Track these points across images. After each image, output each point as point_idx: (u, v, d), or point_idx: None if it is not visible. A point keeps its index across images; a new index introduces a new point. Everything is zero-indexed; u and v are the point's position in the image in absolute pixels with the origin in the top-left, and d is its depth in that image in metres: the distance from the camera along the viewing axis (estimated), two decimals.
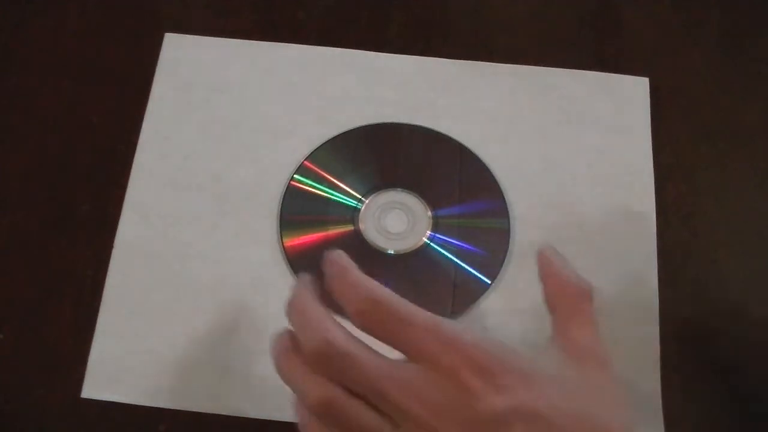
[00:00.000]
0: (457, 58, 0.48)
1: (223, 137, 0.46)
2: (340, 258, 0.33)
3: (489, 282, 0.42)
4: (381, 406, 0.30)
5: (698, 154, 0.47)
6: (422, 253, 0.43)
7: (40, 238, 0.44)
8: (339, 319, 0.29)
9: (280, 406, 0.40)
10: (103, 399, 0.40)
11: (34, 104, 0.48)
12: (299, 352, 0.31)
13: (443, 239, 0.44)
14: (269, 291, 0.42)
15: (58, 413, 0.40)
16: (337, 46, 0.49)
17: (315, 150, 0.46)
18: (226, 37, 0.49)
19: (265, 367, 0.41)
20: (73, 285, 0.43)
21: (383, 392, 0.29)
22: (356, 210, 0.44)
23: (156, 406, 0.40)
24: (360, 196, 0.45)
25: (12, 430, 0.40)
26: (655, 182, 0.46)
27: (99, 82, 0.48)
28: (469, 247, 0.43)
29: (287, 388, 0.40)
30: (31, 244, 0.44)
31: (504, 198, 0.45)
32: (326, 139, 0.46)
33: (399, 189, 0.45)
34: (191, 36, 0.49)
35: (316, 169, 0.45)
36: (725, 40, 0.50)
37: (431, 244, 0.43)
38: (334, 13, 0.51)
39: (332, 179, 0.45)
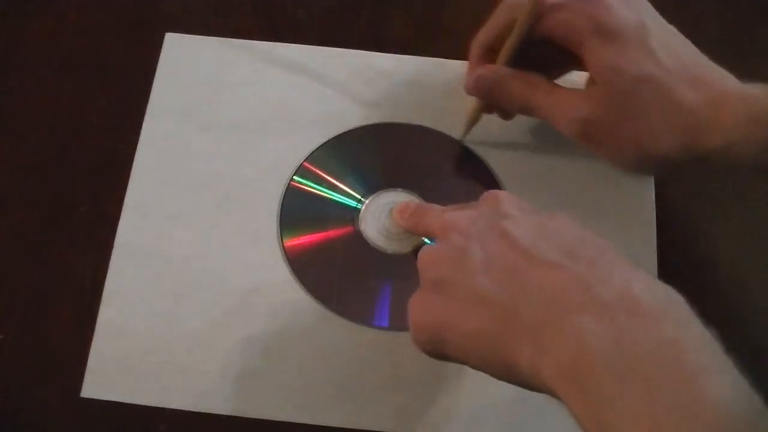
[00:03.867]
0: (457, 58, 0.48)
1: (223, 137, 0.46)
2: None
3: None
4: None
5: None
6: None
7: (40, 238, 0.44)
8: None
9: (281, 406, 0.40)
10: (103, 399, 0.40)
11: (34, 104, 0.48)
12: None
13: None
14: (269, 291, 0.42)
15: (58, 413, 0.40)
16: (337, 46, 0.49)
17: (315, 150, 0.46)
18: (226, 37, 0.49)
19: (264, 366, 0.41)
20: (73, 285, 0.43)
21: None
22: (356, 210, 0.44)
23: (156, 406, 0.40)
24: (360, 197, 0.45)
25: (12, 430, 0.40)
26: (655, 182, 0.46)
27: (99, 82, 0.48)
28: None
29: (286, 388, 0.40)
30: (31, 244, 0.44)
31: None
32: (326, 139, 0.46)
33: (399, 189, 0.45)
34: (191, 36, 0.49)
35: (315, 170, 0.45)
36: (725, 40, 0.50)
37: (431, 244, 0.43)
38: (334, 13, 0.51)
39: (332, 180, 0.45)
